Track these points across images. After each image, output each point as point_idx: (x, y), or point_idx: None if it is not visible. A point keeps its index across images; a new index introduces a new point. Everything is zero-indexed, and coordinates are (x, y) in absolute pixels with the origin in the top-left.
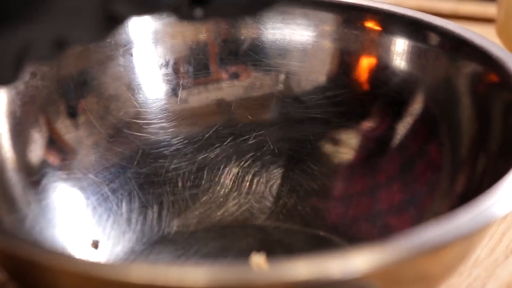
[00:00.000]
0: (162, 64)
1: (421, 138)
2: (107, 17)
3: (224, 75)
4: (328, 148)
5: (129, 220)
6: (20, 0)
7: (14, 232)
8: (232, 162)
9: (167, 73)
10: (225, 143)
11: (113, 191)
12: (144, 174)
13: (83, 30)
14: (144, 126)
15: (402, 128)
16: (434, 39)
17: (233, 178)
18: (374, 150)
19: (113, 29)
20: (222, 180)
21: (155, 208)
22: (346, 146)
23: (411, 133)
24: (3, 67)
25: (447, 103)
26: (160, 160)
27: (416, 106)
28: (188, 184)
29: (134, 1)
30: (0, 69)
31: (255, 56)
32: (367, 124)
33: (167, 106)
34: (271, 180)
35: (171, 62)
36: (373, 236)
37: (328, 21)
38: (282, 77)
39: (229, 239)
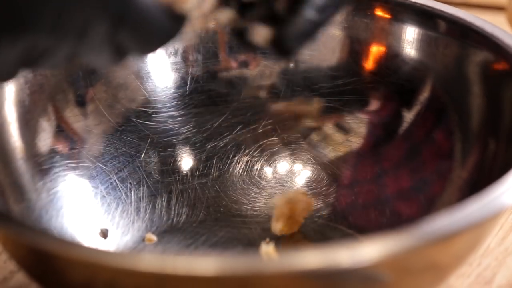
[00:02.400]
0: (171, 52)
1: (430, 126)
2: (116, 46)
3: (233, 63)
4: (337, 136)
5: (138, 209)
6: (32, 9)
7: (23, 221)
8: (242, 151)
9: (176, 62)
10: (234, 132)
11: (122, 180)
12: (153, 163)
13: (93, 54)
14: (153, 115)
15: (411, 116)
16: (444, 27)
17: (242, 167)
18: (383, 138)
19: (121, 60)
20: (231, 169)
21: (164, 197)
22: (356, 134)
23: (420, 121)
24: (5, 67)
25: (457, 91)
26: (169, 149)
27: (426, 94)
28: (197, 173)
29: (138, 38)
30: (3, 66)
31: None
32: (377, 112)
33: (176, 94)
34: (280, 169)
35: (180, 50)
36: (382, 224)
37: None
38: (291, 65)
39: (238, 229)
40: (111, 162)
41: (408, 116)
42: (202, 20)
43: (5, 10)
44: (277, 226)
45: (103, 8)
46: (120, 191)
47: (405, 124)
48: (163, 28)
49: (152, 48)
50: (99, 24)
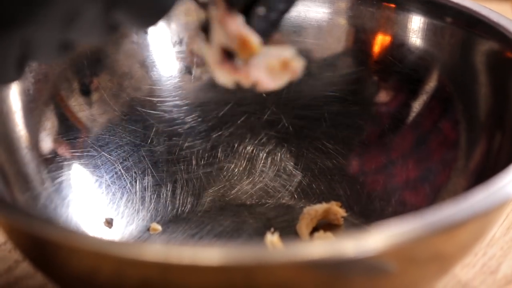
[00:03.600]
0: (176, 41)
1: (436, 116)
2: (109, 24)
3: None
4: (343, 126)
5: (143, 198)
6: (20, 3)
7: (28, 210)
8: (247, 140)
9: (180, 51)
10: (239, 121)
11: (127, 169)
12: (158, 152)
13: (86, 35)
14: (158, 104)
15: (417, 105)
16: (450, 16)
17: (247, 157)
18: (388, 128)
19: (116, 33)
20: (236, 159)
21: (169, 186)
22: (361, 123)
23: (426, 111)
24: (5, 67)
25: (463, 81)
26: (174, 138)
27: (432, 84)
28: (202, 162)
29: (133, 11)
30: (2, 69)
31: None
32: (383, 102)
33: (181, 84)
34: (285, 158)
35: (185, 40)
36: (388, 214)
37: None
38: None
39: (243, 218)
40: (116, 151)
41: (415, 106)
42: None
43: None
44: (303, 230)
45: None
46: (125, 180)
47: (411, 114)
48: (159, 2)
49: (149, 22)
50: (91, 6)
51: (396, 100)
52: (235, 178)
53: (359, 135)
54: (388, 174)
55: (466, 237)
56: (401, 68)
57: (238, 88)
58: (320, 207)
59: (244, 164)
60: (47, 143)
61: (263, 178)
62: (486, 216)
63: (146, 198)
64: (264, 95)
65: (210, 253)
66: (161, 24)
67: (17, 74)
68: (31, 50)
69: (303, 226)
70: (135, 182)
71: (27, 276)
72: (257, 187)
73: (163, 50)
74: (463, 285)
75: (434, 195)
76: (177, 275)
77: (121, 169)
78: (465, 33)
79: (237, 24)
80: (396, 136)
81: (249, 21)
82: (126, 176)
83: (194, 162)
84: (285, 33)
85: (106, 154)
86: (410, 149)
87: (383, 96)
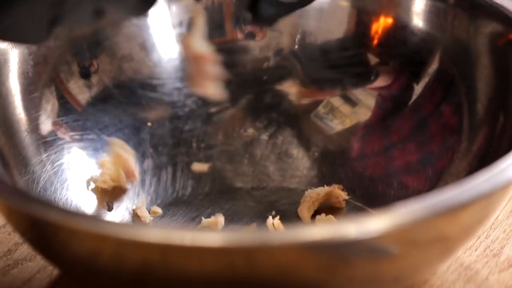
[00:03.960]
0: (176, 23)
1: (438, 98)
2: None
3: (240, 35)
4: (345, 108)
5: (143, 181)
6: None
7: (27, 193)
8: (247, 123)
9: (181, 33)
10: (240, 104)
11: None
12: (158, 135)
13: (122, 5)
14: (158, 87)
15: (419, 88)
16: None
17: (248, 139)
18: (390, 110)
19: (150, 6)
20: (237, 141)
21: (169, 169)
22: (363, 106)
23: (428, 93)
24: (37, 27)
25: (466, 63)
26: (174, 121)
27: (434, 66)
28: (203, 145)
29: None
30: (34, 29)
31: None
32: (385, 84)
33: (181, 66)
34: (287, 141)
35: (185, 22)
36: (390, 197)
37: None
38: (298, 37)
39: (244, 201)
40: (116, 134)
41: (417, 89)
42: None
43: None
44: (305, 213)
45: None
46: None
47: (413, 97)
48: None
49: (140, 11)
50: None
51: (398, 82)
52: (236, 161)
53: (361, 118)
54: (389, 157)
55: (469, 219)
56: (404, 51)
57: (239, 71)
58: (322, 190)
59: (245, 147)
60: (46, 126)
61: (264, 161)
62: (489, 199)
63: (146, 181)
64: (265, 77)
65: (211, 235)
66: (162, 6)
67: (46, 35)
68: (63, 12)
69: (305, 209)
70: (135, 165)
71: (27, 259)
72: (258, 170)
73: (164, 33)
74: (465, 268)
75: (436, 178)
76: (177, 257)
77: None
78: (468, 15)
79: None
80: (397, 118)
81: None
82: None
83: (194, 145)
84: (286, 16)
85: (105, 137)
86: (411, 132)
87: (385, 79)
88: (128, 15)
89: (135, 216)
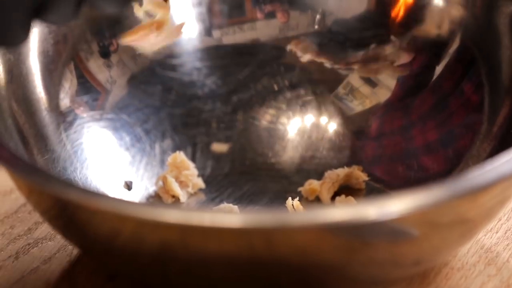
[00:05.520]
0: (196, 2)
1: (458, 79)
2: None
3: (259, 14)
4: (364, 89)
5: (162, 161)
6: None
7: (47, 172)
8: (267, 103)
9: (201, 12)
10: (259, 84)
11: (147, 132)
12: (177, 115)
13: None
14: (177, 66)
15: (440, 67)
16: None
17: (268, 119)
18: (410, 89)
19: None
20: (257, 122)
21: (189, 149)
22: (383, 87)
23: (448, 73)
24: (65, 7)
25: (487, 43)
26: (194, 101)
27: (455, 46)
28: (223, 125)
29: None
30: (62, 9)
31: None
32: (405, 64)
33: (201, 46)
34: (307, 122)
35: (205, 1)
36: (410, 178)
37: None
38: (318, 16)
39: (264, 182)
40: (135, 114)
41: (437, 68)
42: None
43: None
44: (324, 195)
45: None
46: (144, 143)
47: (434, 76)
48: None
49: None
50: None
51: (418, 60)
52: (255, 142)
53: (381, 98)
54: (408, 136)
55: (490, 202)
56: (424, 31)
57: (260, 50)
58: (342, 171)
59: (264, 127)
60: (66, 105)
61: (284, 142)
62: (510, 181)
63: (166, 161)
64: (285, 57)
65: (230, 216)
66: None
67: (74, 15)
68: (44, 8)
69: (325, 191)
70: (155, 144)
71: (47, 238)
72: (278, 150)
73: (183, 12)
74: (486, 250)
75: (457, 160)
76: (197, 238)
77: (140, 132)
78: None
79: None
80: (417, 98)
81: None
82: (145, 139)
83: (214, 125)
84: None
85: (125, 117)
86: (430, 111)
87: (405, 58)
88: (108, 8)
89: (160, 193)
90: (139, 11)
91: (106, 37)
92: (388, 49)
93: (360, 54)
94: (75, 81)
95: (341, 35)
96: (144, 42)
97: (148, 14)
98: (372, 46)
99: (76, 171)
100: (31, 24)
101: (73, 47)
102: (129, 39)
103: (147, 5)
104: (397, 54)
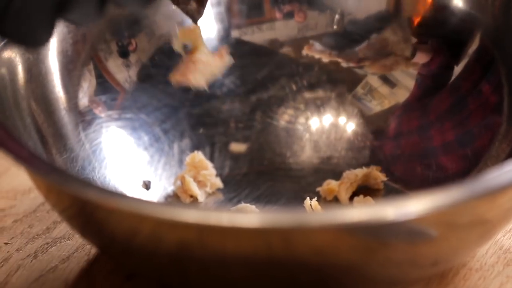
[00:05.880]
0: (215, 2)
1: (478, 79)
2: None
3: (278, 14)
4: (384, 89)
5: (180, 161)
6: None
7: (66, 171)
8: (286, 103)
9: (219, 12)
10: (278, 84)
11: (165, 132)
12: (196, 115)
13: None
14: None
15: (459, 67)
16: None
17: (286, 119)
18: (429, 89)
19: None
20: (275, 122)
21: (207, 149)
22: (402, 87)
23: (467, 74)
24: (89, 7)
25: (506, 44)
26: (212, 101)
27: (474, 47)
28: (241, 125)
29: None
30: (85, 9)
31: None
32: (425, 64)
33: (219, 45)
34: (325, 122)
35: (224, 0)
36: (428, 178)
37: None
38: (337, 16)
39: (282, 182)
40: (154, 114)
41: (456, 69)
42: None
43: None
44: (343, 195)
45: None
46: (163, 143)
47: (452, 77)
48: None
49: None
50: None
51: (437, 60)
52: (274, 142)
53: (400, 98)
54: (426, 136)
55: (509, 203)
56: (443, 31)
57: (278, 50)
58: (360, 172)
59: (283, 128)
60: (85, 104)
61: (303, 142)
62: None
63: (184, 161)
64: (304, 58)
65: (248, 216)
66: None
67: (98, 14)
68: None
69: (343, 191)
70: (173, 144)
71: (65, 237)
72: (296, 150)
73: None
74: (504, 251)
75: (475, 160)
76: (215, 238)
77: (159, 132)
78: None
79: None
80: (436, 98)
81: None
82: (164, 139)
83: (232, 125)
84: None
85: (143, 116)
86: (448, 111)
87: (425, 58)
88: (133, 8)
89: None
90: (177, 46)
91: (125, 37)
92: (393, 39)
93: (364, 45)
94: (93, 80)
95: (358, 35)
96: (192, 77)
97: (185, 47)
98: (373, 35)
99: (94, 170)
100: (54, 25)
101: (92, 47)
102: (178, 80)
103: (181, 36)
104: (407, 47)
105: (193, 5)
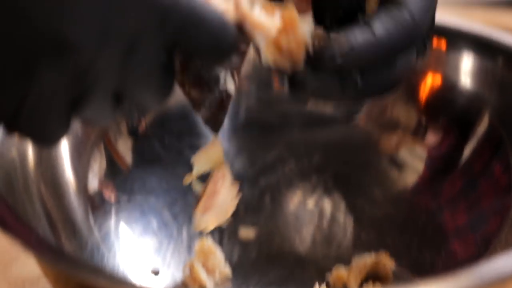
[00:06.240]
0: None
1: (487, 160)
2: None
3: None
4: (392, 172)
5: (189, 247)
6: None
7: (75, 258)
8: (294, 186)
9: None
10: (287, 167)
11: (174, 216)
12: None
13: (140, 85)
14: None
15: (467, 149)
16: (502, 57)
17: (295, 203)
18: (438, 172)
19: (168, 96)
20: (284, 206)
21: (216, 234)
22: (411, 170)
23: (476, 155)
24: (54, 126)
25: None
26: None
27: (483, 127)
28: (250, 209)
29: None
30: (50, 129)
31: None
32: (433, 145)
33: (228, 126)
34: (333, 206)
35: None
36: (438, 266)
37: None
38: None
39: (291, 268)
40: (163, 197)
41: (465, 150)
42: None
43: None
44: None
45: (160, 21)
46: (171, 228)
47: (461, 158)
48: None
49: (160, 100)
50: (150, 38)
51: (447, 141)
52: (282, 226)
53: (408, 182)
54: (437, 220)
55: None
56: (452, 110)
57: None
58: (369, 259)
59: (291, 212)
60: (94, 187)
61: (311, 227)
62: None
63: (193, 247)
64: (311, 139)
65: None
66: None
67: (114, 114)
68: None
69: (352, 279)
70: (182, 229)
71: None
72: (305, 236)
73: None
74: None
75: (485, 245)
76: None
77: (168, 216)
78: None
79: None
80: (446, 181)
81: None
82: (173, 223)
83: (241, 209)
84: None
85: (153, 200)
86: (459, 194)
87: (434, 137)
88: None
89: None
90: (194, 184)
91: (135, 118)
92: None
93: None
94: (104, 162)
95: (367, 119)
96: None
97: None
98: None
99: (103, 257)
100: (69, 123)
101: (102, 128)
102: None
103: (197, 165)
104: (424, 135)
105: (212, 109)
